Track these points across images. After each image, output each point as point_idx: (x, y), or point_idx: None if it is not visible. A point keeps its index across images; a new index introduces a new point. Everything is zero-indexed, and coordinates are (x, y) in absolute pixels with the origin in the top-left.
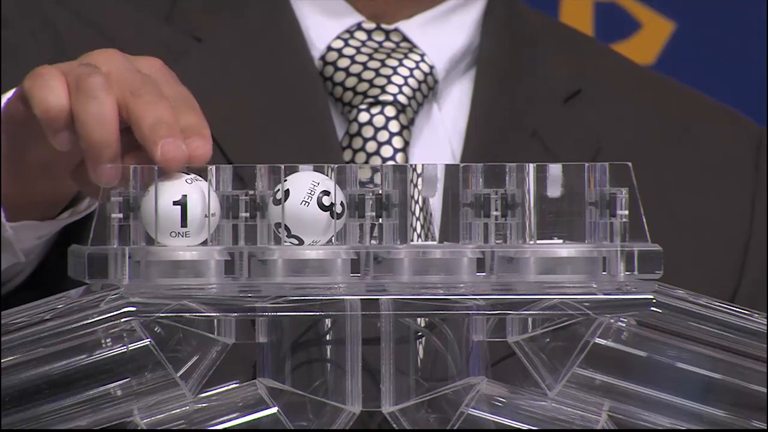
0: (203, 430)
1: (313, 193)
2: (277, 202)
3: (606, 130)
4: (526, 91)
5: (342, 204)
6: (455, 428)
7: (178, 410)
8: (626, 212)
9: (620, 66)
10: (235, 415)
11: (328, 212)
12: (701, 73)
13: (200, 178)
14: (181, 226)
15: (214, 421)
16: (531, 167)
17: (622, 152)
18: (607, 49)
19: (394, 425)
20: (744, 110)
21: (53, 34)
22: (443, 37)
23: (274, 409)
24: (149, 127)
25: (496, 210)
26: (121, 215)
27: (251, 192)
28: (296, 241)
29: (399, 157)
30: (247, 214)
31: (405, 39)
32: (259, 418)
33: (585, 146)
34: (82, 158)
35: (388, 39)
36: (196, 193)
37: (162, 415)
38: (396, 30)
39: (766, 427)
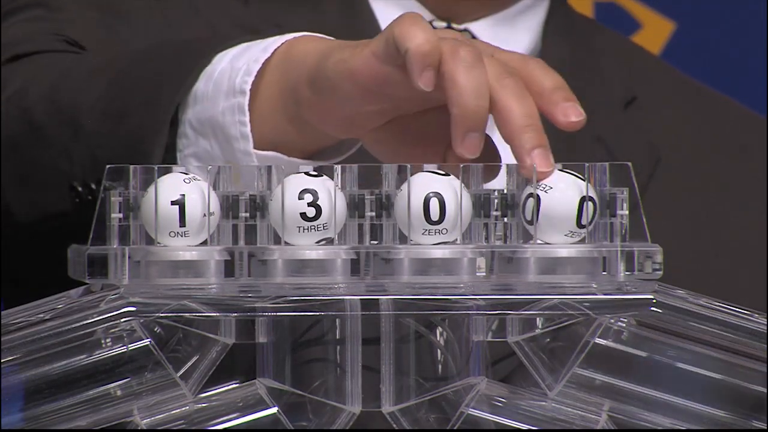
0: (203, 430)
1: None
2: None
3: (661, 139)
4: (588, 95)
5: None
6: (455, 428)
7: (178, 410)
8: (626, 212)
9: (670, 75)
10: (235, 415)
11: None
12: (701, 73)
13: (199, 178)
14: (180, 226)
15: (214, 421)
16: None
17: (681, 163)
18: (656, 59)
19: (394, 425)
20: None
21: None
22: (511, 39)
23: (274, 409)
24: (518, 129)
25: (496, 210)
26: (121, 215)
27: (251, 192)
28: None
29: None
30: (247, 214)
31: (475, 39)
32: (259, 418)
33: (645, 154)
34: (385, 120)
35: None
36: (195, 192)
37: (162, 415)
38: (466, 30)
39: (766, 427)
